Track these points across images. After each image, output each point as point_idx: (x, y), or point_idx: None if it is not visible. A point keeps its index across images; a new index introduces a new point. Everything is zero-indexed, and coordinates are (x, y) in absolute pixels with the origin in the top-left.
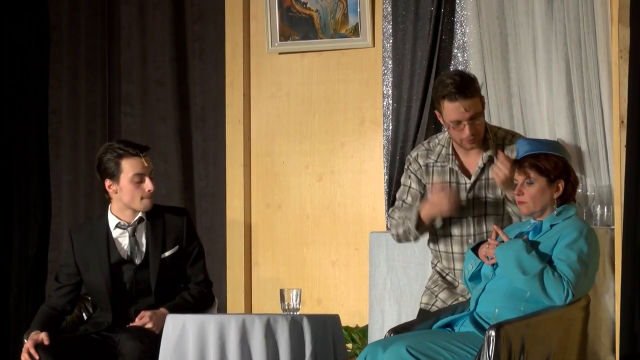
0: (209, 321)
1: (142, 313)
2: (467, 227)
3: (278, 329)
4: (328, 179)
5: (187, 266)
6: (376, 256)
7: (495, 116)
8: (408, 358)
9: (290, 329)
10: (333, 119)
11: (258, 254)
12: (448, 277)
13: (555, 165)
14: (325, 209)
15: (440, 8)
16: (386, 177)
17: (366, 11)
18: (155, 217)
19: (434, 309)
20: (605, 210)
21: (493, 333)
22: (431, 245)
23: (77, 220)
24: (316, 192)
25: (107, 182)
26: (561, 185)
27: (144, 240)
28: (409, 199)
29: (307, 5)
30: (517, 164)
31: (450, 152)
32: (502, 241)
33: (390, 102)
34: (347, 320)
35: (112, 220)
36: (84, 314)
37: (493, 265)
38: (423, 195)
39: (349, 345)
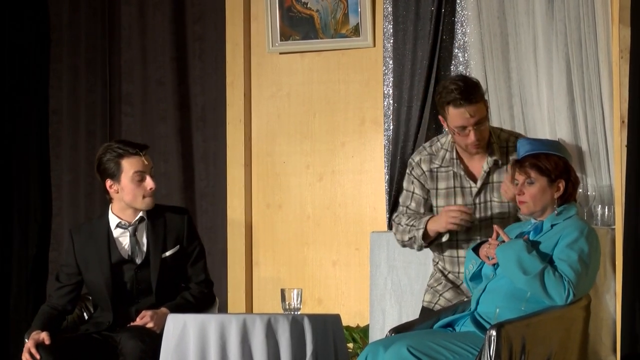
0: (210, 321)
1: (143, 312)
2: (474, 232)
3: (279, 328)
4: (329, 179)
5: (187, 266)
6: (377, 256)
7: (496, 116)
8: (409, 358)
9: (291, 328)
10: (334, 119)
11: (259, 254)
12: (450, 276)
13: (556, 165)
14: (326, 209)
15: (441, 8)
16: (387, 177)
17: (367, 11)
18: (156, 216)
19: (437, 307)
20: (606, 210)
21: (494, 333)
22: (435, 249)
23: (78, 220)
24: (317, 192)
25: (108, 183)
26: (562, 185)
27: (144, 240)
28: (413, 205)
29: (308, 5)
30: (518, 163)
31: (455, 157)
32: (503, 241)
33: (391, 102)
34: (348, 320)
35: (113, 220)
36: (84, 314)
37: (494, 265)
38: (426, 201)
39: (350, 345)
